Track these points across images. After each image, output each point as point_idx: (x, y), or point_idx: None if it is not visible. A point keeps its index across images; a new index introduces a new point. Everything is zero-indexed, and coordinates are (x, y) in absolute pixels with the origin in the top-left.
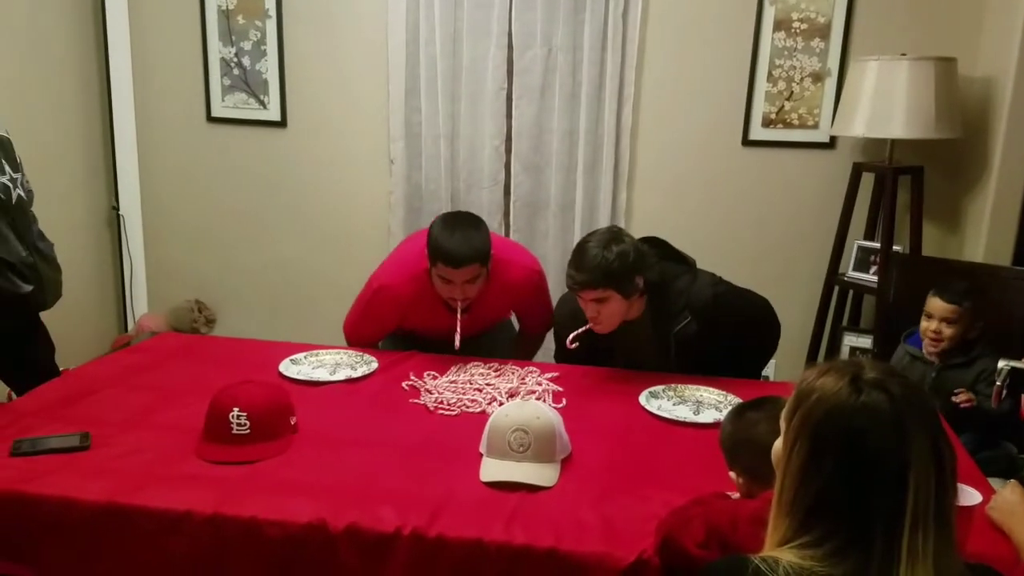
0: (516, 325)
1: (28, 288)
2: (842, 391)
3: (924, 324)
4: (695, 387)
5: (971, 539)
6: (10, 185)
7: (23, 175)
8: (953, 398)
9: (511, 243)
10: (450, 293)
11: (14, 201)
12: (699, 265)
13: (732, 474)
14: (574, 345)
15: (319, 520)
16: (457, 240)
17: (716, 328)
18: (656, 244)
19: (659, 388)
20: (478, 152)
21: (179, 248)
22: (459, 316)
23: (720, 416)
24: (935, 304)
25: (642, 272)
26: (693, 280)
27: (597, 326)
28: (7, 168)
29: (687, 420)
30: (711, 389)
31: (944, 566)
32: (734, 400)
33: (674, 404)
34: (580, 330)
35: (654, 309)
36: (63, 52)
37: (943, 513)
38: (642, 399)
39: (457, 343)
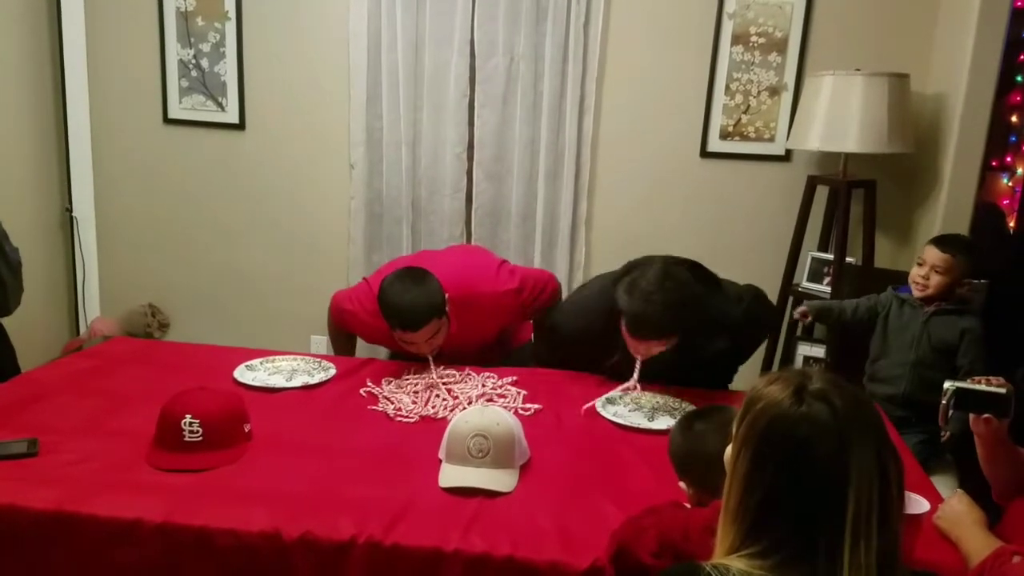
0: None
1: None
2: (785, 401)
3: (915, 271)
4: (651, 394)
5: (919, 547)
6: None
7: None
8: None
9: (474, 267)
10: (417, 351)
11: None
12: None
13: (682, 484)
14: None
15: (273, 529)
16: (408, 305)
17: (742, 339)
18: (689, 267)
19: (615, 394)
20: (440, 159)
21: (133, 251)
22: (432, 363)
23: (673, 422)
24: (929, 252)
25: (697, 313)
26: (725, 299)
27: (641, 356)
28: None
29: (641, 427)
30: (666, 396)
31: (887, 575)
32: (688, 407)
33: (630, 410)
34: (613, 359)
35: (686, 334)
36: (15, 50)
37: (887, 524)
38: (598, 405)
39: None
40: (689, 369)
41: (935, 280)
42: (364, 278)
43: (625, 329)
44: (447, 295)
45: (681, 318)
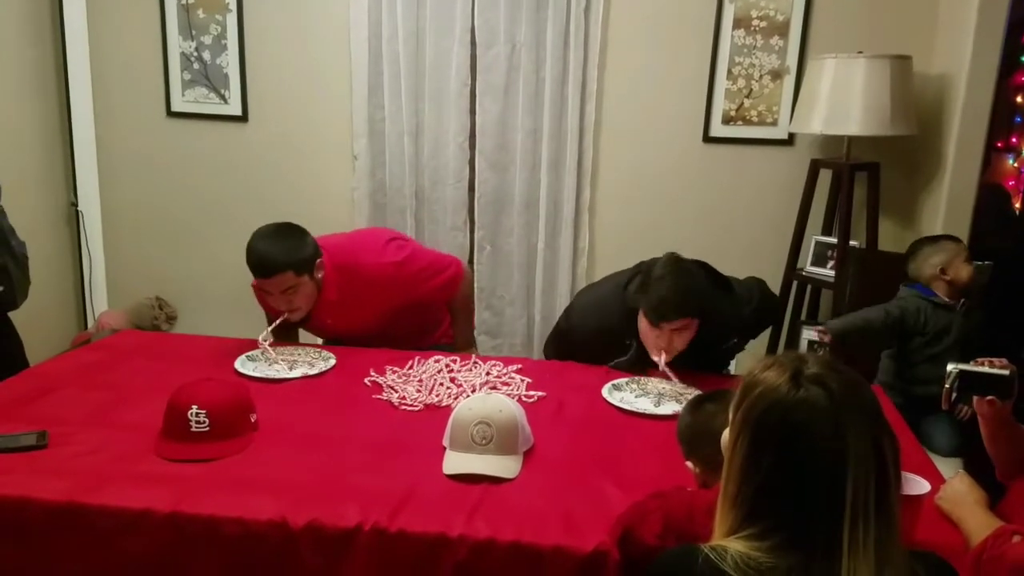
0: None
1: (1, 288)
2: (782, 385)
3: (938, 274)
4: (657, 380)
5: (920, 528)
6: None
7: None
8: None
9: (362, 240)
10: (274, 304)
11: None
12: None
13: (689, 464)
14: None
15: (279, 517)
16: (266, 250)
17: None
18: (698, 264)
19: (622, 381)
20: (442, 149)
21: (139, 244)
22: (282, 320)
23: (679, 408)
24: (947, 246)
25: (709, 302)
26: (735, 301)
27: (671, 354)
28: None
29: (647, 412)
30: (672, 381)
31: (887, 556)
32: (695, 392)
33: (636, 396)
34: (622, 360)
35: (700, 335)
36: (18, 46)
37: (884, 506)
38: (604, 392)
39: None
40: (705, 359)
41: (965, 271)
42: None
43: (646, 323)
44: (323, 260)
45: (696, 300)
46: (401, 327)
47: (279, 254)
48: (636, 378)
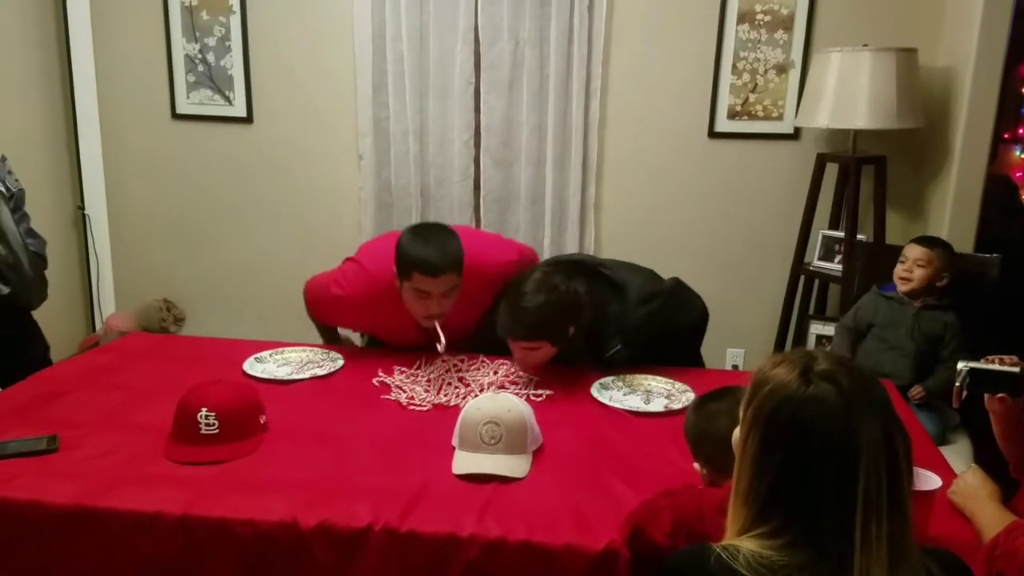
0: None
1: (6, 290)
2: (792, 382)
3: (898, 268)
4: (643, 376)
5: (933, 523)
6: None
7: (3, 172)
8: (911, 393)
9: (481, 239)
10: (426, 310)
11: None
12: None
13: (696, 465)
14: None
15: (291, 518)
16: (433, 248)
17: (649, 347)
18: (586, 270)
19: (608, 379)
20: (447, 147)
21: (146, 247)
22: (440, 332)
23: (669, 404)
24: (910, 249)
25: (575, 322)
26: (623, 304)
27: (523, 367)
28: None
29: (639, 410)
30: (657, 377)
31: (900, 553)
32: (682, 387)
33: (624, 394)
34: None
35: (586, 336)
36: (23, 49)
37: (897, 501)
38: (593, 391)
39: (441, 346)
40: (598, 366)
41: (918, 273)
42: (347, 258)
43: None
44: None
45: (545, 324)
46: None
47: (453, 249)
48: (622, 376)
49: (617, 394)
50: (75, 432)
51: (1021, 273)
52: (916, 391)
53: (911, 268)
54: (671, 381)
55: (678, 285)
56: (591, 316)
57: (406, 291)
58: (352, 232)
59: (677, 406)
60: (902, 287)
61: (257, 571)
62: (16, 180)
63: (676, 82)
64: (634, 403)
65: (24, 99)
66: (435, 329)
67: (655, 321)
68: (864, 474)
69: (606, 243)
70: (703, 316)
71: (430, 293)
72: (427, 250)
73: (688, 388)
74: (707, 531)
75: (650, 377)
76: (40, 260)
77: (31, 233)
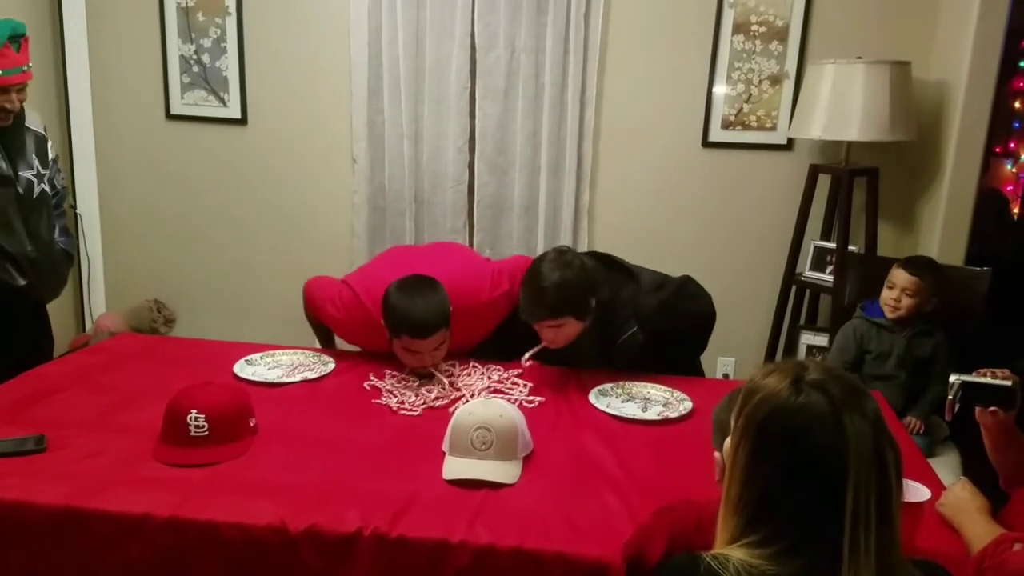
0: None
1: (23, 282)
2: (783, 391)
3: (886, 293)
4: (641, 384)
5: (921, 535)
6: (34, 180)
7: (54, 170)
8: (906, 422)
9: (471, 276)
10: (418, 362)
11: (35, 196)
12: (659, 264)
13: (717, 455)
14: (528, 363)
15: (279, 522)
16: (420, 310)
17: (662, 335)
18: (599, 258)
19: (607, 386)
20: (442, 153)
21: (138, 247)
22: (435, 372)
23: (666, 412)
24: (899, 275)
25: (595, 293)
26: (638, 289)
27: (554, 345)
28: (36, 164)
29: (635, 417)
30: (656, 386)
31: (888, 564)
32: (680, 396)
33: (622, 402)
34: (535, 349)
35: (601, 320)
36: None
37: (886, 512)
38: (591, 397)
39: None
40: (610, 357)
41: (906, 302)
42: (343, 280)
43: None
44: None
45: (568, 300)
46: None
47: (438, 312)
48: (620, 383)
49: (615, 401)
50: (63, 432)
51: (1011, 286)
52: (915, 424)
53: (899, 297)
54: (670, 390)
55: (689, 279)
56: (607, 296)
57: (396, 346)
58: (345, 236)
59: (674, 415)
60: (890, 314)
61: (245, 575)
62: (63, 178)
63: (670, 91)
64: (631, 411)
65: None
66: (432, 373)
67: (669, 307)
68: (853, 484)
69: (599, 251)
70: (712, 312)
71: (421, 351)
72: (414, 312)
73: (687, 397)
74: (708, 543)
75: (649, 385)
76: (68, 258)
77: (65, 231)
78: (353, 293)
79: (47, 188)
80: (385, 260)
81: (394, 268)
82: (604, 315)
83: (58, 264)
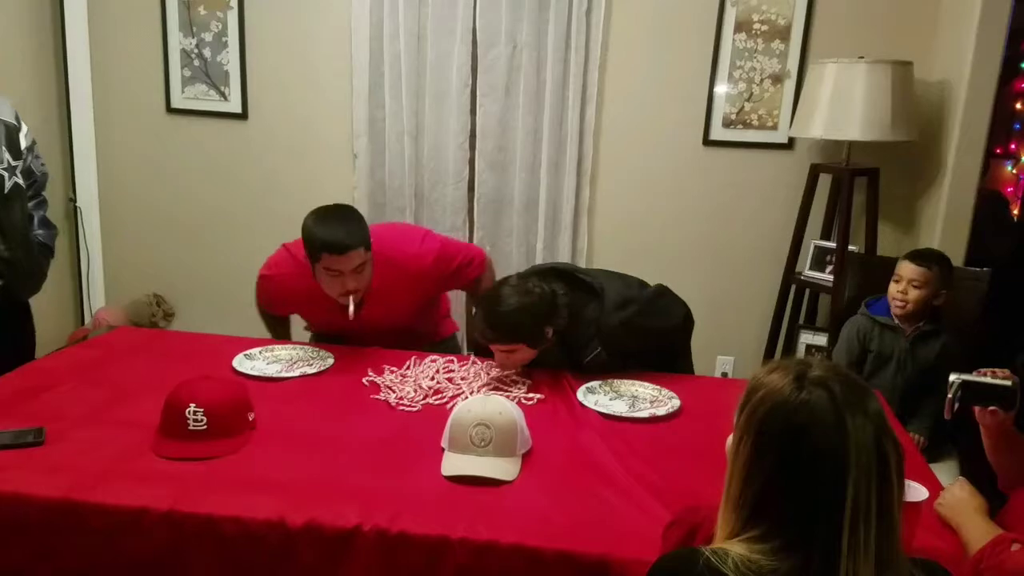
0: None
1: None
2: (785, 388)
3: (892, 287)
4: (630, 381)
5: (919, 535)
6: (4, 175)
7: (29, 159)
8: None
9: (403, 234)
10: (340, 287)
11: (6, 191)
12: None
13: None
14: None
15: (278, 517)
16: (336, 228)
17: (625, 354)
18: (563, 275)
19: (595, 383)
20: (442, 149)
21: (137, 241)
22: (351, 311)
23: (654, 410)
24: (905, 267)
25: (552, 323)
26: (600, 308)
27: (505, 368)
28: (6, 156)
29: (623, 415)
30: (645, 384)
31: (887, 561)
32: (668, 394)
33: (610, 399)
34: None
35: (564, 340)
36: (19, 40)
37: (885, 509)
38: (579, 394)
39: (351, 313)
40: (577, 371)
41: (913, 295)
42: (283, 244)
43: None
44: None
45: (520, 328)
46: (423, 322)
47: (354, 230)
48: (609, 380)
49: (603, 399)
50: (62, 425)
51: (1011, 287)
52: (919, 441)
53: (906, 289)
54: (658, 387)
55: (660, 291)
56: (567, 319)
57: (319, 273)
58: None
59: (662, 412)
60: (897, 310)
61: (243, 570)
62: (42, 164)
63: (672, 89)
64: (619, 408)
65: (18, 88)
66: (348, 303)
67: (631, 326)
68: (853, 481)
69: (599, 249)
70: (685, 322)
71: (341, 271)
72: (331, 230)
73: (674, 395)
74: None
75: (637, 383)
76: (47, 251)
77: (45, 222)
78: (285, 250)
79: (20, 181)
80: None
81: None
82: (566, 339)
83: (37, 261)
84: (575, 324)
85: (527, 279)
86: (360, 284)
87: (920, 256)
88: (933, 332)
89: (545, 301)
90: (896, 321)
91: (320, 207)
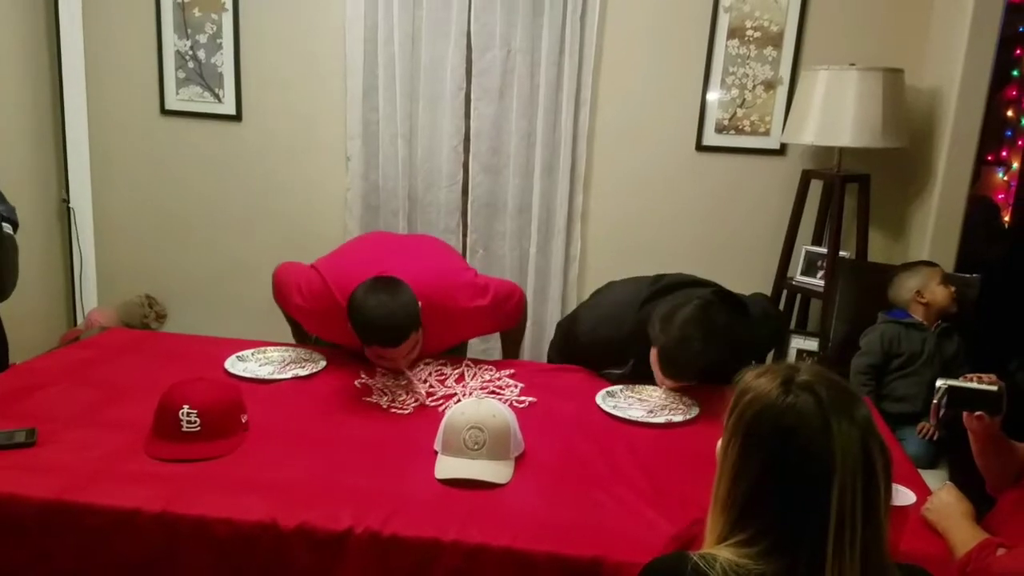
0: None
1: None
2: (773, 392)
3: (917, 299)
4: (652, 388)
5: (906, 539)
6: None
7: None
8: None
9: (448, 276)
10: (393, 366)
11: None
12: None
13: None
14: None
15: (270, 519)
16: (387, 317)
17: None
18: (724, 299)
19: (616, 388)
20: (436, 152)
21: (130, 242)
22: (409, 375)
23: (671, 418)
24: (939, 291)
25: (738, 362)
26: (751, 324)
27: (663, 387)
28: None
29: (640, 420)
30: (668, 392)
31: (873, 566)
32: (688, 401)
33: (630, 404)
34: (616, 372)
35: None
36: (12, 42)
37: (872, 513)
38: (598, 398)
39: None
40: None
41: (936, 308)
42: (313, 265)
43: (657, 364)
44: (420, 303)
45: (713, 360)
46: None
47: (404, 318)
48: (632, 386)
49: (622, 403)
50: (54, 426)
51: (1000, 293)
52: (928, 429)
53: (930, 303)
54: (678, 395)
55: (764, 298)
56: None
57: (368, 351)
58: (338, 234)
59: (678, 418)
60: (920, 314)
61: (235, 571)
62: None
63: (665, 95)
64: (635, 413)
65: (12, 89)
66: (406, 375)
67: (776, 337)
68: (839, 483)
69: (591, 253)
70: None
71: (395, 357)
72: (380, 323)
73: (695, 402)
74: None
75: (658, 390)
76: (11, 241)
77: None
78: (323, 281)
79: None
80: (359, 249)
81: (369, 260)
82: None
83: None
84: (736, 349)
85: (707, 308)
86: (411, 360)
87: (923, 261)
88: (948, 331)
89: (727, 339)
90: (921, 320)
91: (370, 285)
